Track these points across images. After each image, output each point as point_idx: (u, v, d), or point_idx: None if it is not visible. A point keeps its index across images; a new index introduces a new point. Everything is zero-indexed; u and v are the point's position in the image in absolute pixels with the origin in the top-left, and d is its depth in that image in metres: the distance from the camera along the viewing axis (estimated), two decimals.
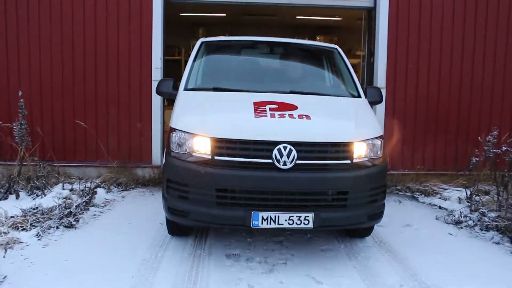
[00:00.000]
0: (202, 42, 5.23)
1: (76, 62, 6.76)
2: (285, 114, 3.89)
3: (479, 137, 5.60)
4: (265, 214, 3.58)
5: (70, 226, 4.71)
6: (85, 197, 5.38)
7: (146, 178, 6.82)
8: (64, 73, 6.76)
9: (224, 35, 14.24)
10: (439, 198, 6.21)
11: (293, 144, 3.62)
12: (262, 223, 3.58)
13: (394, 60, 7.03)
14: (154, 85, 6.64)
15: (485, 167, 5.92)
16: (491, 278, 3.70)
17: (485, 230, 4.87)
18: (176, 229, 4.45)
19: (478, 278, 3.70)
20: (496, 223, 4.79)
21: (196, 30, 13.79)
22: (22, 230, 4.45)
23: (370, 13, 7.37)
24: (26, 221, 4.57)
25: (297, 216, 3.59)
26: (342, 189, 3.75)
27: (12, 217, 4.69)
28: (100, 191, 5.86)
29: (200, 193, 3.68)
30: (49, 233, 4.48)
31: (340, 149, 3.79)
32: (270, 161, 3.60)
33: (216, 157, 3.66)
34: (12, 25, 6.65)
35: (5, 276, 3.47)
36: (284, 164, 3.59)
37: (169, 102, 7.67)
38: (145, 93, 6.83)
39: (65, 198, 5.28)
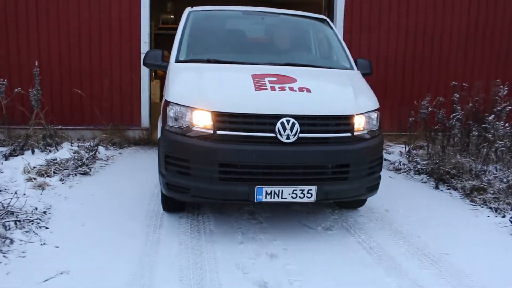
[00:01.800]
0: (190, 12, 5.10)
1: (71, 38, 7.55)
2: (285, 87, 3.86)
3: (415, 102, 6.88)
4: (268, 189, 3.56)
5: (85, 173, 5.72)
6: (91, 152, 6.36)
7: (136, 138, 7.82)
8: (60, 47, 7.55)
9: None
10: (385, 152, 7.53)
11: (296, 117, 3.59)
12: (265, 198, 3.57)
13: (350, 36, 8.14)
14: (143, 57, 7.65)
15: (421, 127, 7.24)
16: (417, 205, 5.00)
17: (417, 174, 6.21)
18: (172, 205, 4.37)
19: (409, 204, 4.96)
20: (425, 168, 6.14)
21: (164, 4, 14.44)
22: (47, 176, 5.41)
23: None
24: (49, 169, 5.54)
25: (300, 190, 3.60)
26: (344, 162, 3.76)
27: (34, 167, 5.63)
28: (100, 149, 6.83)
29: (202, 168, 3.62)
30: (69, 179, 5.46)
31: (341, 122, 3.81)
32: (273, 135, 3.56)
33: (218, 132, 3.59)
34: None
35: (50, 205, 4.48)
36: (287, 137, 3.56)
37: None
38: (134, 65, 7.72)
39: (75, 152, 6.24)
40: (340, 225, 4.30)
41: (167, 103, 3.89)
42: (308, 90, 3.87)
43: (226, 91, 3.92)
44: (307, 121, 3.64)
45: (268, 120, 3.59)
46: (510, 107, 5.69)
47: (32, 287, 2.98)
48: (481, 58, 8.51)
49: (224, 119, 3.61)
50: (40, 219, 4.08)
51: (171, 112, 3.81)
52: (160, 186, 4.09)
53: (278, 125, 3.56)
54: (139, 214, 4.40)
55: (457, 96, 6.17)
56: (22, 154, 6.19)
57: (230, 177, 3.63)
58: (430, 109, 6.40)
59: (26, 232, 3.80)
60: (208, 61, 4.48)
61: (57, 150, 6.28)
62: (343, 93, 4.17)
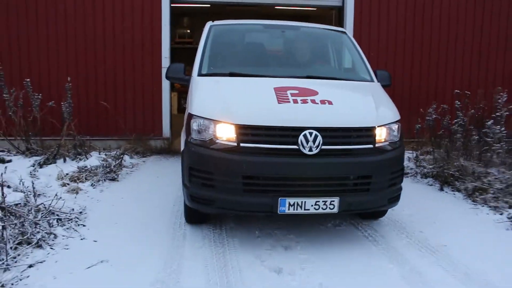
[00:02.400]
0: (211, 26, 5.22)
1: (98, 54, 8.11)
2: (307, 99, 3.91)
3: (421, 109, 7.25)
4: (291, 200, 3.61)
5: (113, 179, 6.20)
6: (118, 160, 6.85)
7: (158, 148, 8.30)
8: (87, 63, 8.10)
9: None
10: None
11: (318, 129, 3.64)
12: (288, 209, 3.62)
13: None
14: (163, 71, 8.12)
15: (428, 133, 7.59)
16: (422, 205, 5.35)
17: (424, 178, 6.57)
18: (196, 217, 4.45)
19: (414, 204, 5.29)
20: (431, 171, 6.50)
21: (180, 19, 14.97)
22: (79, 182, 5.90)
23: (340, 8, 8.92)
24: (81, 175, 6.03)
25: (323, 201, 3.64)
26: (366, 173, 3.80)
27: (67, 174, 6.13)
28: (126, 157, 7.32)
29: (226, 180, 3.67)
30: (99, 184, 5.93)
31: (363, 133, 3.84)
32: (296, 147, 3.62)
33: (242, 144, 3.64)
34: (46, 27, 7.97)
35: (85, 207, 4.95)
36: (310, 149, 3.61)
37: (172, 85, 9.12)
38: (156, 78, 8.24)
39: (103, 160, 6.74)
40: (348, 222, 4.69)
41: (191, 116, 3.94)
42: (330, 103, 3.92)
43: (249, 104, 3.96)
44: (329, 133, 3.68)
45: (291, 133, 3.64)
46: (507, 113, 6.05)
47: (79, 272, 3.43)
48: (485, 67, 8.88)
49: (247, 131, 3.66)
50: (78, 218, 4.56)
51: (194, 125, 3.87)
52: (183, 197, 4.17)
53: (301, 137, 3.61)
54: (165, 214, 4.86)
55: (459, 103, 6.54)
56: (55, 162, 6.69)
57: (254, 189, 3.67)
58: (434, 116, 6.76)
59: (67, 229, 4.27)
60: (230, 75, 4.55)
61: (87, 159, 6.79)
62: (364, 105, 4.17)
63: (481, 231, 4.48)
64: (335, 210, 3.69)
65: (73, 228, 4.32)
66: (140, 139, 8.20)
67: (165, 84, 8.31)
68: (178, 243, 4.04)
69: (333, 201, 3.66)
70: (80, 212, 4.75)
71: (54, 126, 7.33)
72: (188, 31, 16.29)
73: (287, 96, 3.94)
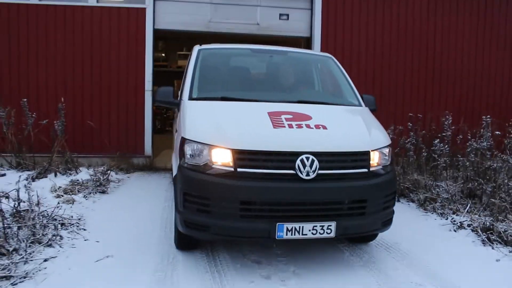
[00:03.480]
0: (200, 50, 5.21)
1: (85, 78, 8.71)
2: (302, 124, 3.96)
3: None
4: (289, 225, 3.59)
5: (103, 192, 6.76)
6: (105, 175, 7.41)
7: (140, 165, 8.88)
8: (74, 87, 8.68)
9: (182, 49, 16.43)
10: None
11: (314, 154, 3.67)
12: (286, 234, 3.60)
13: None
14: (147, 95, 8.88)
15: None
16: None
17: None
18: (186, 243, 4.38)
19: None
20: None
21: (156, 42, 15.63)
22: (72, 194, 6.43)
23: (308, 38, 9.80)
24: (74, 188, 6.57)
25: (320, 226, 3.64)
26: (362, 197, 3.83)
27: (60, 187, 6.65)
28: (112, 173, 7.87)
29: (222, 206, 3.62)
30: (91, 196, 6.48)
31: (358, 158, 3.89)
32: (292, 171, 3.63)
33: (239, 169, 3.63)
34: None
35: (82, 214, 5.50)
36: (307, 174, 3.63)
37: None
38: (139, 101, 8.87)
39: (92, 175, 7.28)
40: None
41: (184, 140, 3.91)
42: (324, 127, 3.97)
43: (244, 128, 3.94)
44: (325, 158, 3.71)
45: (288, 158, 3.66)
46: (450, 132, 7.00)
47: (90, 264, 4.03)
48: (438, 93, 9.94)
49: (244, 156, 3.66)
50: (78, 223, 5.12)
51: (188, 150, 3.86)
52: (176, 223, 4.12)
53: (298, 162, 3.63)
54: (156, 219, 5.49)
55: (411, 125, 7.47)
56: (46, 177, 7.20)
57: (251, 214, 3.65)
58: (391, 136, 7.63)
59: (70, 232, 4.84)
60: (222, 99, 4.54)
61: (77, 173, 7.32)
62: (357, 130, 4.22)
63: (428, 232, 5.29)
64: (332, 234, 3.70)
65: (76, 231, 4.88)
66: (124, 157, 8.76)
67: (148, 106, 8.94)
68: (171, 242, 4.65)
69: (330, 225, 3.67)
70: (79, 219, 5.31)
71: (43, 143, 7.83)
72: (163, 54, 17.01)
73: (282, 121, 3.97)
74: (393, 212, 4.25)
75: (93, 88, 8.76)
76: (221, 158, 3.72)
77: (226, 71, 5.38)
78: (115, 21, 8.69)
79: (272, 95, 4.87)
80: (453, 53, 9.93)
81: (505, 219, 5.24)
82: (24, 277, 3.66)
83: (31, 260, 3.97)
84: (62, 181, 6.89)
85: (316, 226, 3.65)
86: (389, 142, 4.25)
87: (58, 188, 6.57)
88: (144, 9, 8.75)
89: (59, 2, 8.53)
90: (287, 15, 9.34)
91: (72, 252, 4.32)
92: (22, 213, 4.74)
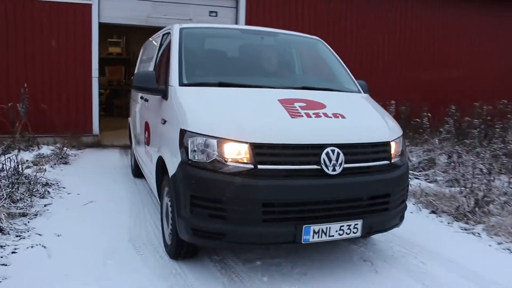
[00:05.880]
0: (182, 29, 4.55)
1: (44, 64, 9.76)
2: (319, 113, 3.60)
3: None
4: (316, 227, 3.27)
5: (65, 163, 8.05)
6: (63, 151, 8.65)
7: (90, 143, 10.12)
8: (30, 74, 9.72)
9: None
10: None
11: (339, 146, 3.35)
12: (313, 237, 3.28)
13: None
14: (94, 81, 10.10)
15: None
16: None
17: None
18: (185, 252, 3.83)
19: None
20: None
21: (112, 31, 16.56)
22: (40, 165, 7.66)
23: None
24: (41, 160, 7.79)
25: (347, 225, 3.36)
26: (386, 192, 3.58)
27: (27, 160, 7.83)
28: (66, 149, 9.10)
29: (241, 209, 3.20)
30: (57, 166, 7.74)
31: (380, 149, 3.63)
32: (317, 167, 3.29)
33: (259, 166, 3.21)
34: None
35: (55, 178, 6.81)
36: (334, 169, 3.30)
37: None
38: (87, 86, 10.08)
39: (52, 150, 8.50)
40: None
41: (184, 132, 3.42)
42: (343, 116, 3.67)
43: (260, 119, 3.49)
44: (349, 150, 3.42)
45: (312, 151, 3.32)
46: None
47: (80, 206, 5.48)
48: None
49: (265, 151, 3.25)
50: (57, 184, 6.47)
51: (194, 144, 3.35)
52: (176, 230, 3.58)
53: (323, 155, 3.30)
54: (118, 174, 7.12)
55: None
56: (9, 153, 8.30)
57: (275, 217, 3.26)
58: None
59: (54, 189, 6.18)
60: (220, 85, 4.01)
61: (39, 149, 8.51)
62: (374, 119, 3.95)
63: None
64: (359, 233, 3.44)
65: (58, 189, 6.24)
66: (75, 136, 9.95)
67: (95, 91, 10.17)
68: (132, 186, 6.27)
69: (357, 224, 3.41)
70: (56, 182, 6.63)
71: (2, 125, 8.86)
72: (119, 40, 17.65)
73: (297, 110, 3.60)
74: (406, 205, 4.02)
75: (47, 76, 9.81)
76: (236, 154, 3.27)
77: (216, 54, 4.84)
78: (64, 15, 9.78)
79: (274, 81, 4.43)
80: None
81: None
82: (35, 215, 5.04)
83: (36, 205, 5.34)
84: (27, 156, 8.06)
85: (343, 226, 3.36)
86: (401, 131, 4.03)
87: (26, 161, 7.75)
88: (90, 5, 9.92)
89: None
90: (216, 12, 10.88)
91: (63, 200, 5.72)
92: (13, 176, 6.01)
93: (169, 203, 3.84)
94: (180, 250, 3.80)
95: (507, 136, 8.37)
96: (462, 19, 12.95)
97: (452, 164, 7.47)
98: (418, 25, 12.61)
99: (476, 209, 5.42)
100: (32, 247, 4.15)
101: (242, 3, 10.91)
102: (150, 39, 6.50)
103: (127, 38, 17.50)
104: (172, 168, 3.62)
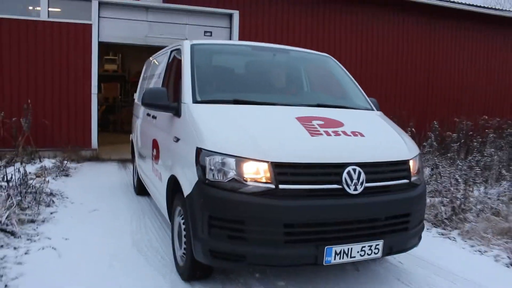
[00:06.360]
0: (193, 46, 4.52)
1: (46, 81, 10.17)
2: (338, 131, 3.57)
3: None
4: (338, 248, 3.22)
5: (67, 175, 8.41)
6: (63, 164, 9.02)
7: (88, 156, 10.49)
8: (32, 90, 10.13)
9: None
10: None
11: (360, 165, 3.34)
12: (334, 259, 3.23)
13: None
14: (93, 97, 10.52)
15: None
16: None
17: None
18: (200, 273, 3.74)
19: None
20: None
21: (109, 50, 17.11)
22: (43, 177, 8.00)
23: None
24: (43, 172, 8.15)
25: (368, 246, 3.32)
26: (406, 211, 3.56)
27: (30, 172, 8.18)
28: (66, 163, 9.47)
29: (263, 230, 3.14)
30: (58, 178, 8.11)
31: (400, 168, 3.61)
32: (339, 186, 3.26)
33: (281, 186, 3.16)
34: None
35: (58, 189, 7.18)
36: (355, 188, 3.28)
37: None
38: (87, 102, 10.49)
39: (53, 163, 8.86)
40: None
41: (201, 151, 3.36)
42: (362, 135, 3.64)
43: (279, 137, 3.45)
44: (369, 169, 3.39)
45: (333, 170, 3.29)
46: None
47: (84, 214, 5.85)
48: None
49: (286, 170, 3.21)
50: (61, 194, 6.83)
51: (211, 163, 3.28)
52: (191, 251, 3.49)
53: (345, 174, 3.28)
54: (115, 186, 7.42)
55: None
56: (13, 165, 8.64)
57: (297, 239, 3.21)
58: None
59: (58, 199, 6.55)
60: (236, 102, 3.96)
61: (41, 162, 8.87)
62: (392, 137, 3.94)
63: None
64: (379, 254, 3.40)
65: (62, 199, 6.61)
66: (74, 150, 10.33)
67: (94, 107, 10.58)
68: (132, 197, 6.59)
69: (378, 244, 3.36)
70: (60, 192, 7.00)
71: (6, 139, 9.23)
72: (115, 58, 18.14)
73: (316, 128, 3.56)
74: (424, 225, 4.00)
75: (48, 91, 10.22)
76: (256, 173, 3.21)
77: (228, 71, 4.82)
78: (65, 34, 10.23)
79: (288, 98, 4.50)
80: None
81: None
82: (43, 221, 5.41)
83: (43, 212, 5.70)
84: (30, 168, 8.41)
85: (364, 246, 3.32)
86: (418, 149, 4.05)
87: (29, 173, 8.11)
88: (90, 25, 10.38)
89: (14, 16, 9.93)
90: (211, 32, 11.40)
91: (67, 209, 6.09)
92: (21, 186, 6.37)
93: (182, 224, 3.76)
94: (195, 272, 3.71)
95: (484, 150, 8.88)
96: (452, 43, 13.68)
97: (434, 176, 7.93)
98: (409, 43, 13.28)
99: (453, 216, 5.87)
100: (43, 248, 4.51)
101: (235, 23, 11.43)
102: (155, 55, 6.55)
103: (123, 55, 18.02)
104: (187, 188, 3.51)
